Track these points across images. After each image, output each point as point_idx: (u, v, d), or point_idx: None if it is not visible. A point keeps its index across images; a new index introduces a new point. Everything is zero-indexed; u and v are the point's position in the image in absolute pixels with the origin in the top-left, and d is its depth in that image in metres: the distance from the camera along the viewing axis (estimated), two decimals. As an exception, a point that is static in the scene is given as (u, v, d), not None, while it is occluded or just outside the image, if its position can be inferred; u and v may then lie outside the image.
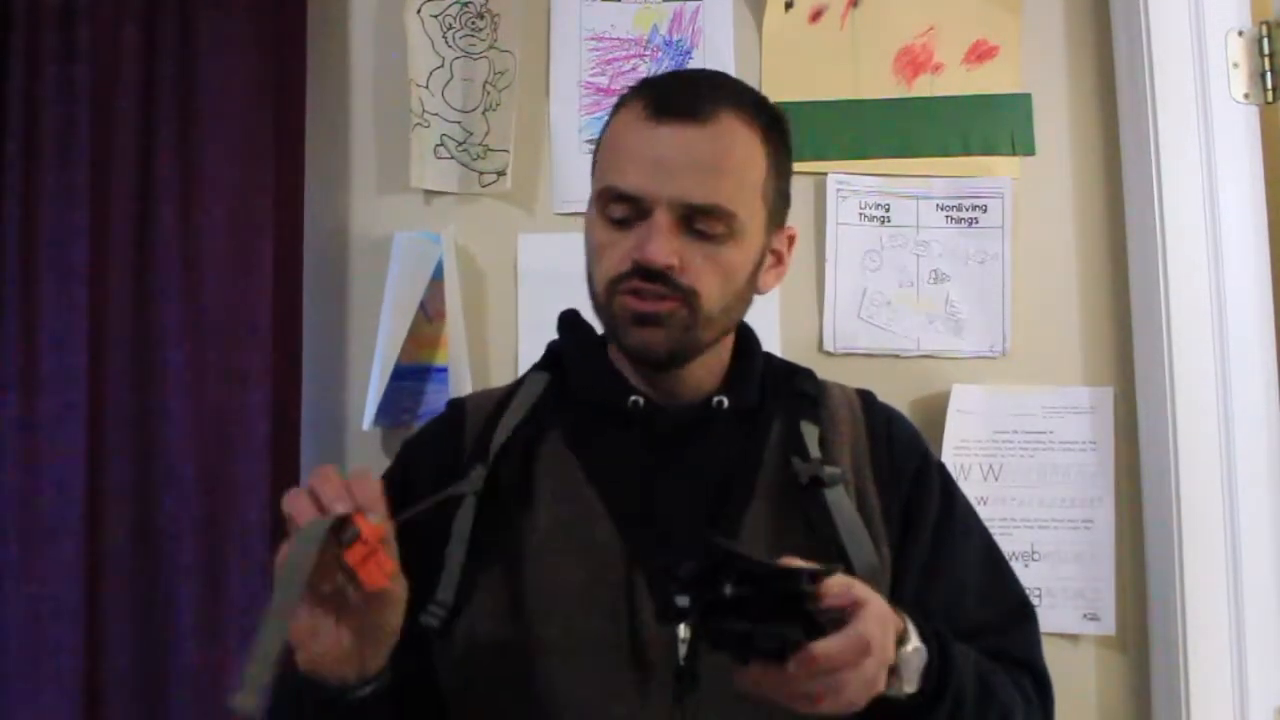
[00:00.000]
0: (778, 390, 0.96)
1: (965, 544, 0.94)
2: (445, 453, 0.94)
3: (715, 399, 0.92)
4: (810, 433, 0.92)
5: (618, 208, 0.87)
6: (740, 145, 0.87)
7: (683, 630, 0.81)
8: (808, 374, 0.99)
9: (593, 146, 0.94)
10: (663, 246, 0.84)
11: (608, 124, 0.93)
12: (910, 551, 0.90)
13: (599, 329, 0.97)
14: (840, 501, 0.89)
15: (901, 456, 0.95)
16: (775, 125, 0.91)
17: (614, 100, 0.95)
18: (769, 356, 1.00)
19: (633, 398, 0.91)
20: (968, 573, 0.92)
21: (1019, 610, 0.94)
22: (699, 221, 0.86)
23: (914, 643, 0.76)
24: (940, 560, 0.91)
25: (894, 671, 0.75)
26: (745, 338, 0.98)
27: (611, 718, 0.81)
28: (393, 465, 0.99)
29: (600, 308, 0.91)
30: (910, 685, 0.76)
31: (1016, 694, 0.86)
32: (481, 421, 0.94)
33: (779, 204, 0.93)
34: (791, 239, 0.98)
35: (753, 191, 0.89)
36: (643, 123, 0.86)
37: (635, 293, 0.86)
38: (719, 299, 0.88)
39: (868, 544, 0.88)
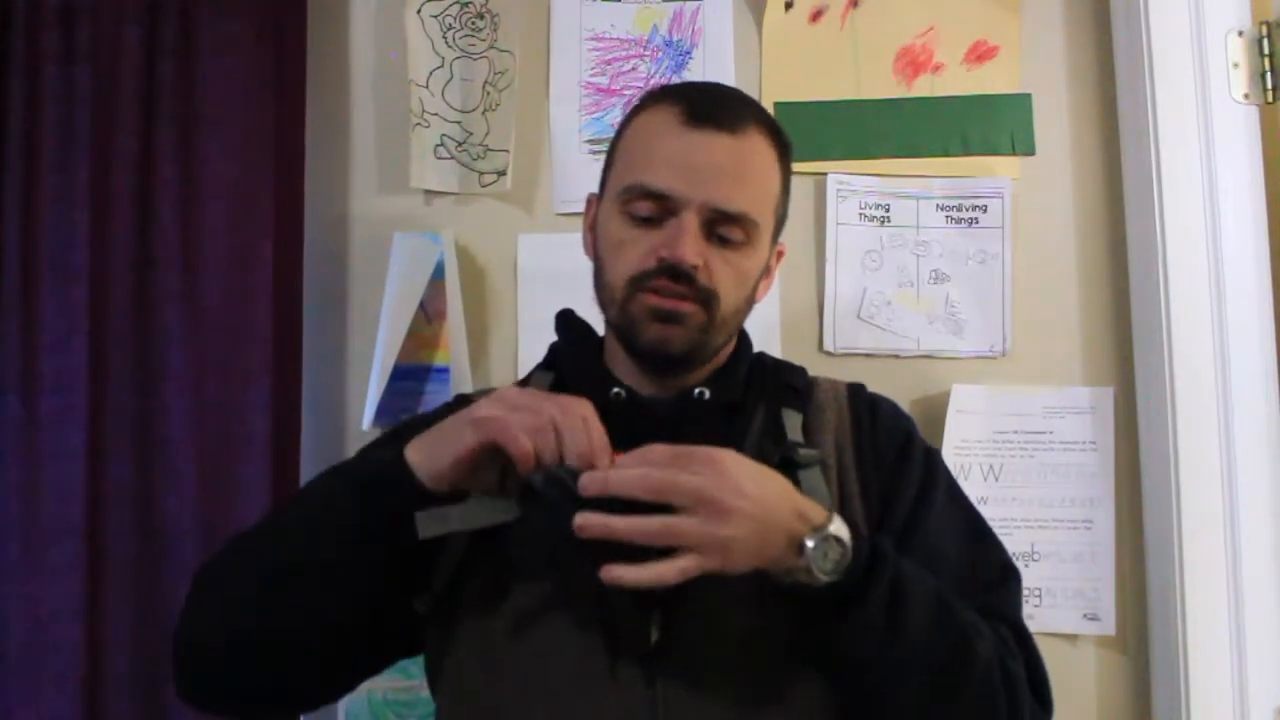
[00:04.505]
0: (764, 385, 0.97)
1: (945, 515, 0.94)
2: None
3: (696, 390, 0.93)
4: (792, 419, 0.94)
5: (644, 205, 0.89)
6: (763, 159, 0.92)
7: (655, 615, 0.83)
8: (798, 369, 1.01)
9: (594, 147, 0.96)
10: (693, 247, 0.87)
11: (627, 124, 0.96)
12: (888, 525, 0.91)
13: (597, 326, 0.99)
14: (814, 484, 0.89)
15: (884, 439, 0.95)
16: (787, 149, 0.96)
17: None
18: (760, 355, 1.01)
19: (615, 390, 0.92)
20: (946, 540, 0.92)
21: (1000, 572, 0.93)
22: (722, 227, 0.89)
23: (832, 530, 0.76)
24: (917, 528, 0.91)
25: (801, 552, 0.75)
26: (740, 340, 1.00)
27: (584, 699, 0.82)
28: (388, 436, 1.00)
29: (614, 303, 0.91)
30: (824, 571, 0.75)
31: (987, 631, 0.84)
32: None
33: (782, 221, 0.98)
34: (780, 254, 1.01)
35: (770, 205, 0.93)
36: (677, 126, 0.89)
37: (658, 291, 0.88)
38: (733, 303, 0.91)
39: (833, 505, 0.88)
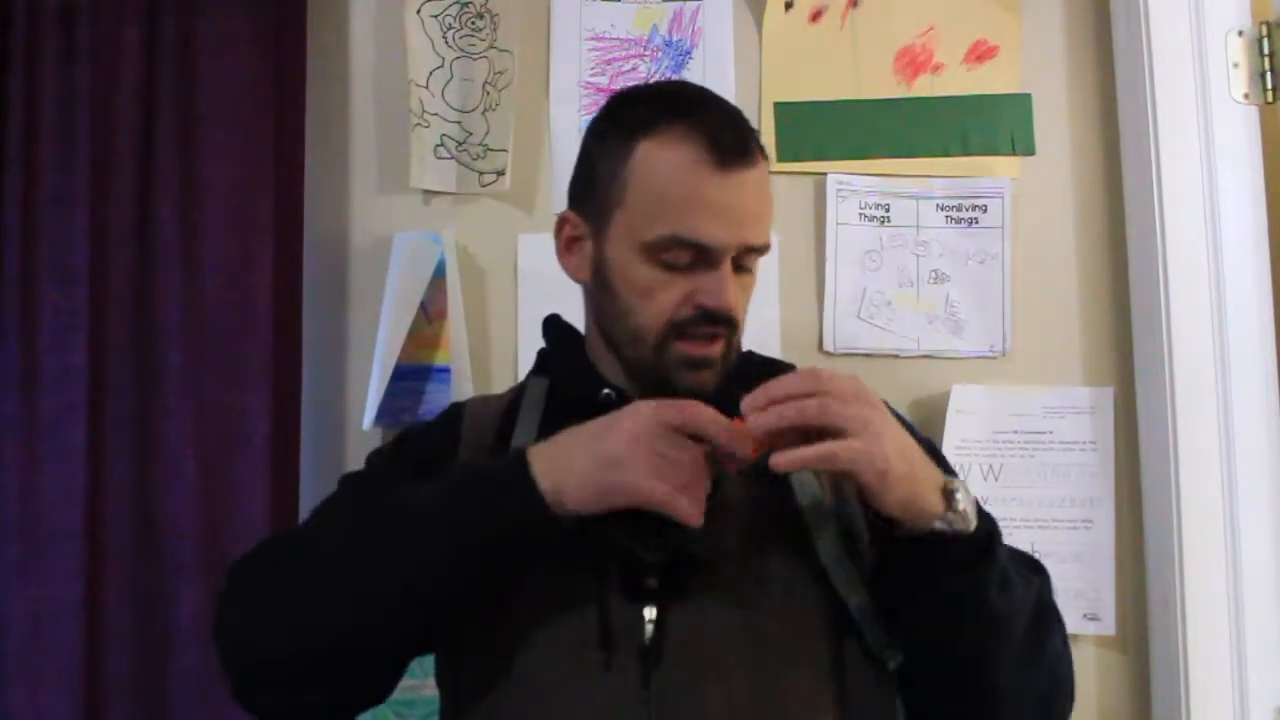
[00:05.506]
0: (755, 382, 0.96)
1: None
2: (440, 443, 0.96)
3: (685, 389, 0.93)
4: None
5: (683, 255, 0.87)
6: (768, 176, 0.91)
7: (649, 612, 0.83)
8: (788, 367, 1.00)
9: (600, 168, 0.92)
10: (732, 293, 0.87)
11: (630, 150, 0.89)
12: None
13: (581, 330, 1.00)
14: (805, 482, 0.90)
15: None
16: (763, 150, 0.94)
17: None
18: (749, 353, 1.01)
19: (605, 390, 0.92)
20: None
21: (1033, 561, 0.95)
22: (746, 258, 0.89)
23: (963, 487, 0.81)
24: None
25: (950, 498, 0.79)
26: None
27: (578, 697, 0.82)
28: (390, 444, 1.01)
29: (642, 344, 0.90)
30: (972, 516, 0.80)
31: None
32: (489, 428, 0.96)
33: None
34: None
35: None
36: (710, 172, 0.86)
37: (693, 336, 0.88)
38: (744, 320, 0.92)
39: (833, 524, 0.88)
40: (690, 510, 0.78)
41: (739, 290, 0.89)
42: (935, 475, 0.82)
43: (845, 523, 0.89)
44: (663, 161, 0.87)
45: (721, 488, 0.87)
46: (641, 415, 0.80)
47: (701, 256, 0.87)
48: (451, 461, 0.93)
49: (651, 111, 0.90)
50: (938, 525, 0.79)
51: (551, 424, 0.91)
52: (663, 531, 0.81)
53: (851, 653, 0.85)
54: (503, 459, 0.84)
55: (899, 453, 0.79)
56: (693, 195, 0.86)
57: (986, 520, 0.82)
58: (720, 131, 0.87)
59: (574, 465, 0.80)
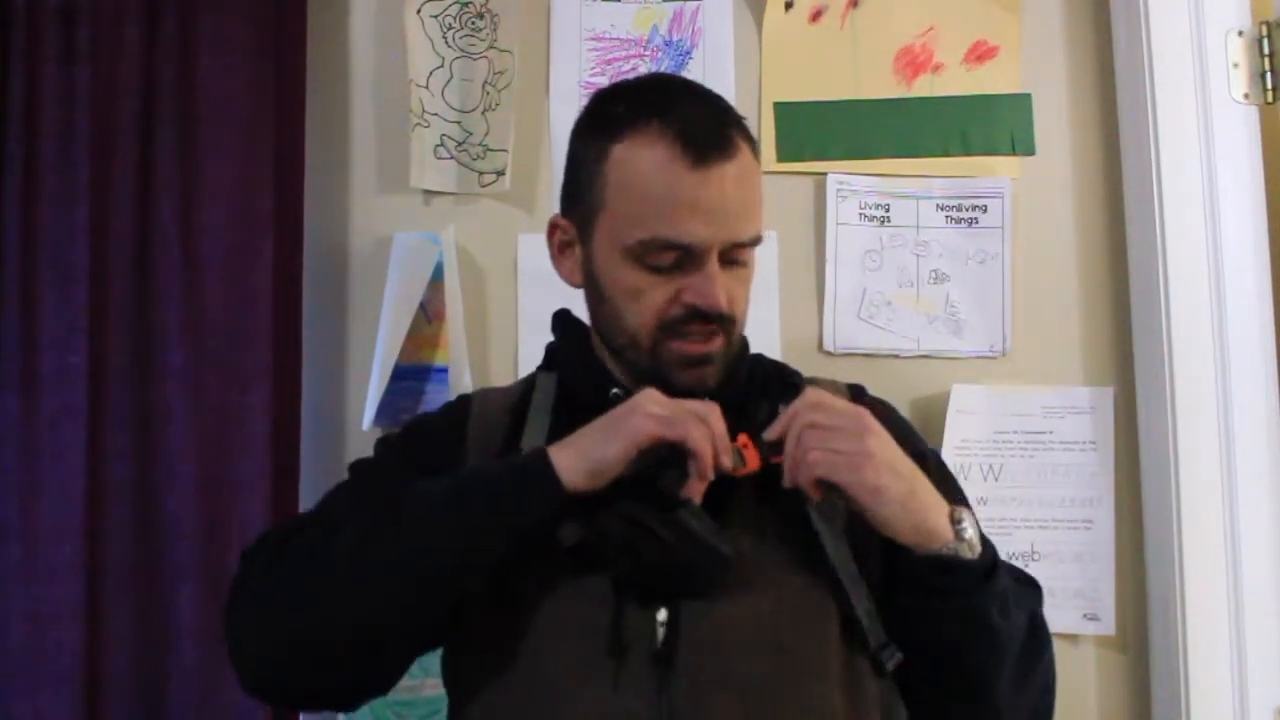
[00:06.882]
0: (766, 386, 0.97)
1: None
2: (446, 441, 0.95)
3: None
4: None
5: (666, 256, 0.87)
6: (754, 170, 0.91)
7: (662, 614, 0.82)
8: (795, 371, 1.01)
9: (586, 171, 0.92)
10: (721, 291, 0.87)
11: (606, 153, 0.89)
12: None
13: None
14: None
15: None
16: (755, 140, 0.93)
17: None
18: (759, 357, 1.01)
19: (614, 390, 0.92)
20: None
21: (1026, 578, 0.96)
22: (735, 252, 0.89)
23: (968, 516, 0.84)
24: None
25: (958, 525, 0.82)
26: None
27: (591, 703, 0.81)
28: (395, 436, 1.01)
29: (636, 348, 0.90)
30: (977, 544, 0.83)
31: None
32: (496, 427, 0.95)
33: None
34: None
35: (762, 207, 0.92)
36: (684, 169, 0.85)
37: (687, 335, 0.88)
38: (745, 314, 0.92)
39: (842, 529, 0.88)
40: (697, 437, 0.80)
41: (735, 284, 0.89)
42: (942, 502, 0.84)
43: (854, 529, 0.89)
44: (637, 162, 0.87)
45: (735, 492, 0.87)
46: (647, 412, 0.83)
47: (685, 256, 0.87)
48: (457, 462, 0.93)
49: (626, 110, 0.90)
50: (944, 551, 0.81)
51: (561, 424, 0.92)
52: (672, 511, 0.81)
53: (860, 661, 0.85)
54: (524, 457, 0.85)
55: (896, 474, 0.81)
56: (669, 195, 0.86)
57: (989, 547, 0.85)
58: (693, 126, 0.86)
59: (595, 435, 0.83)
